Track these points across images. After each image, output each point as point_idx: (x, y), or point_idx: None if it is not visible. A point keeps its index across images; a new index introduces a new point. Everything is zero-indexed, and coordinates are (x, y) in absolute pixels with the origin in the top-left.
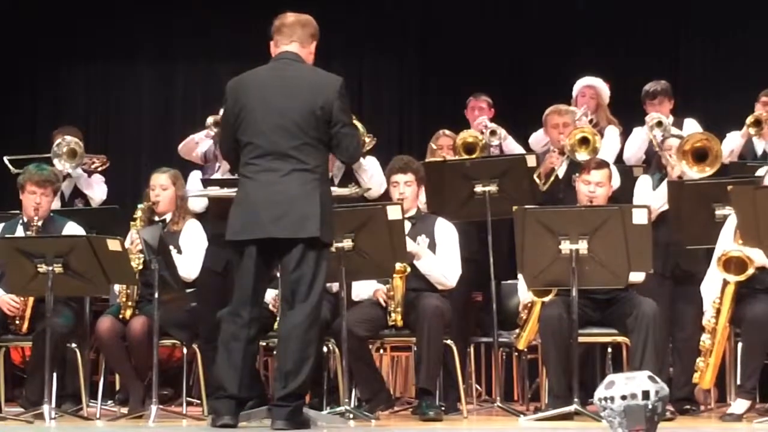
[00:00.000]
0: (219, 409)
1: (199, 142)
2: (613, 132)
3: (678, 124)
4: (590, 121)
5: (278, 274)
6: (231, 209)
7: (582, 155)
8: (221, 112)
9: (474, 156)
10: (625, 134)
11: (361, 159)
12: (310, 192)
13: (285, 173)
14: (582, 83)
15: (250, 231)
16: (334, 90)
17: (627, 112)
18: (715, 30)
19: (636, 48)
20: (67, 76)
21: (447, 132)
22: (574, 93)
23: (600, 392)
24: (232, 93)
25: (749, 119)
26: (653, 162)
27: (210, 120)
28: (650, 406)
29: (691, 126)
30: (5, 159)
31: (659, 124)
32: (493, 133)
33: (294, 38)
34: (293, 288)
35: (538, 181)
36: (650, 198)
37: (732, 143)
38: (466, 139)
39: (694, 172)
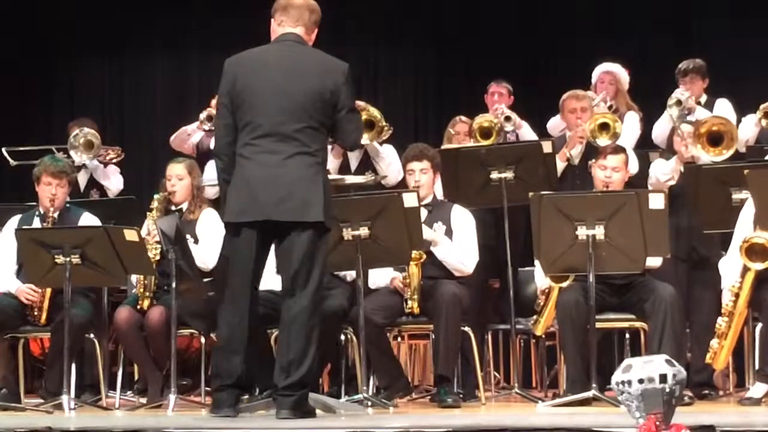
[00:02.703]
0: (220, 400)
1: (192, 134)
2: (632, 117)
3: (709, 105)
4: (609, 107)
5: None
6: (229, 190)
7: (603, 140)
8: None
9: (490, 141)
10: (645, 120)
11: (379, 147)
12: (314, 176)
13: (288, 156)
14: (600, 69)
15: (251, 213)
16: (343, 75)
17: (647, 98)
18: (731, 10)
19: (655, 33)
20: (83, 67)
21: (463, 118)
22: (593, 79)
23: (617, 376)
24: (232, 71)
25: (759, 112)
26: (666, 144)
27: (203, 114)
28: (668, 390)
29: (723, 106)
30: (3, 150)
31: (678, 102)
32: (507, 119)
33: (300, 22)
34: (294, 274)
35: (567, 153)
36: (658, 168)
37: (747, 131)
38: (482, 123)
39: (709, 156)
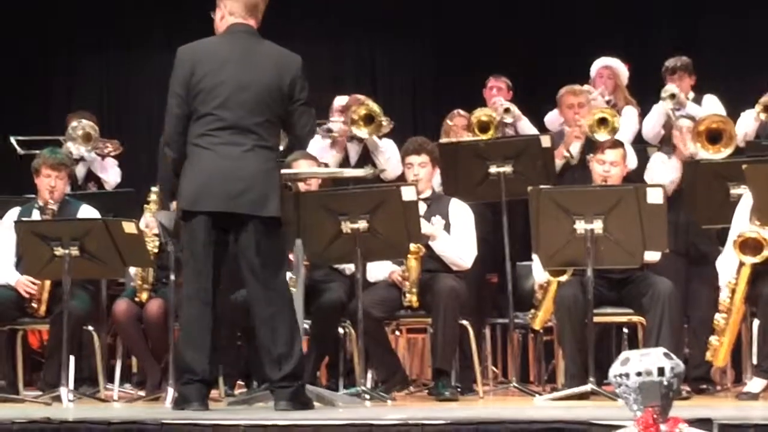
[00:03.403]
0: (189, 395)
1: None
2: (630, 112)
3: (698, 101)
4: (608, 102)
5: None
6: (183, 178)
7: (601, 135)
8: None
9: (488, 135)
10: (643, 115)
11: (378, 141)
12: (271, 171)
13: (247, 148)
14: (599, 64)
15: (206, 202)
16: (298, 68)
17: (646, 95)
18: (734, 7)
19: (654, 27)
20: (82, 62)
21: (461, 112)
22: (592, 74)
23: (615, 369)
24: (187, 61)
25: (758, 106)
26: (663, 138)
27: None
28: (665, 383)
29: (711, 102)
30: (12, 139)
31: (672, 96)
32: (507, 111)
33: (248, 11)
34: (261, 269)
35: (566, 154)
36: (662, 170)
37: (745, 126)
38: (481, 117)
39: (708, 154)
